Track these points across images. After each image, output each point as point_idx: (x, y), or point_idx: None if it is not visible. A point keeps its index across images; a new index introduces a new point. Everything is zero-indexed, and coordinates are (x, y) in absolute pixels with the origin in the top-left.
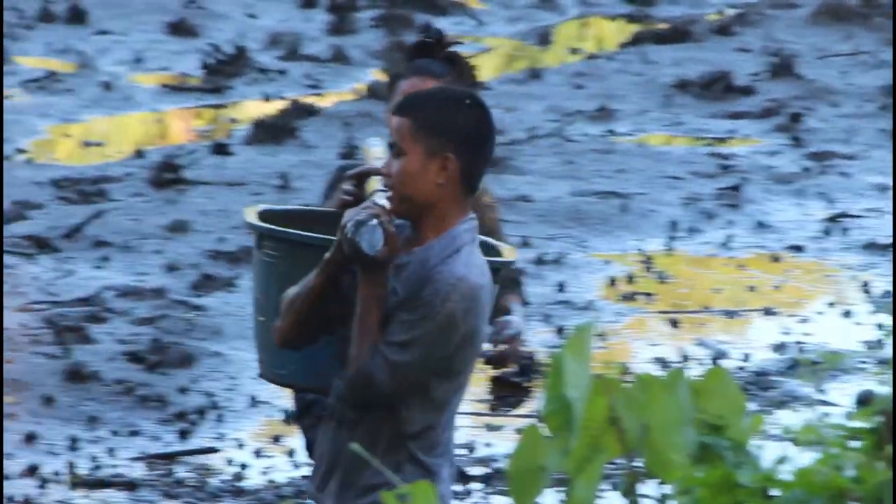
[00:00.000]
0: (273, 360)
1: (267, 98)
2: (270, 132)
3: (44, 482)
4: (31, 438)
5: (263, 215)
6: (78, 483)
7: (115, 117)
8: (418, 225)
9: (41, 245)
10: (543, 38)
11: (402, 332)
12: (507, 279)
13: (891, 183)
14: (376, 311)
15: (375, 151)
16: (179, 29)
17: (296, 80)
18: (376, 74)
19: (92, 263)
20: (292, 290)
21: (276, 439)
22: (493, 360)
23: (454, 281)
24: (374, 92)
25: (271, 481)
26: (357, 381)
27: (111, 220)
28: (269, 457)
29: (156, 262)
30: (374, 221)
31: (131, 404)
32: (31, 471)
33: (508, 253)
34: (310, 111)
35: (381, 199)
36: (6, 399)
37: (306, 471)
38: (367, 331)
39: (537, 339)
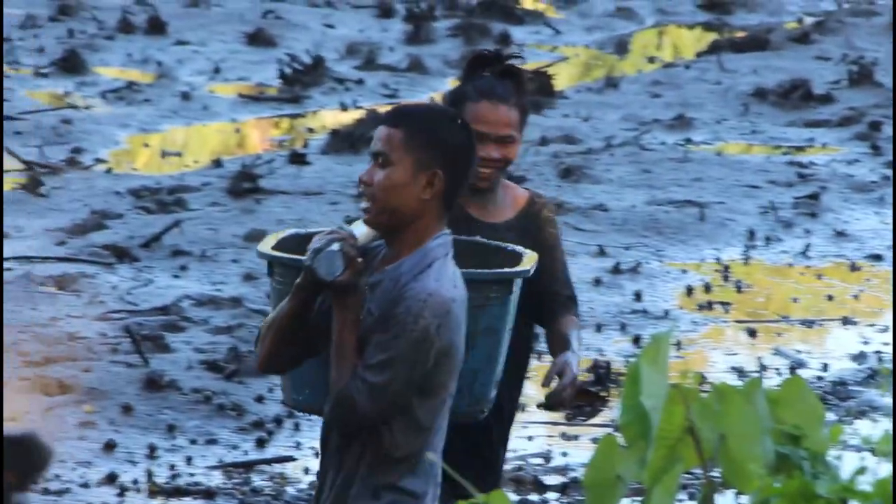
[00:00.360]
0: (291, 386)
1: (344, 107)
2: (347, 141)
3: (122, 490)
4: (110, 447)
5: (287, 241)
6: (156, 491)
7: (193, 127)
8: (394, 240)
9: (120, 254)
10: (620, 47)
11: (378, 352)
12: (564, 297)
13: None
14: (351, 334)
15: None
16: (257, 39)
17: (372, 89)
18: (453, 84)
19: (170, 273)
20: (269, 316)
21: None
22: (550, 405)
23: (425, 297)
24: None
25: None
26: (338, 406)
27: (189, 230)
28: None
29: (233, 272)
30: (335, 247)
31: (209, 413)
32: (111, 479)
33: (528, 261)
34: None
35: (359, 227)
36: (86, 408)
37: None
38: (344, 355)
39: (613, 349)
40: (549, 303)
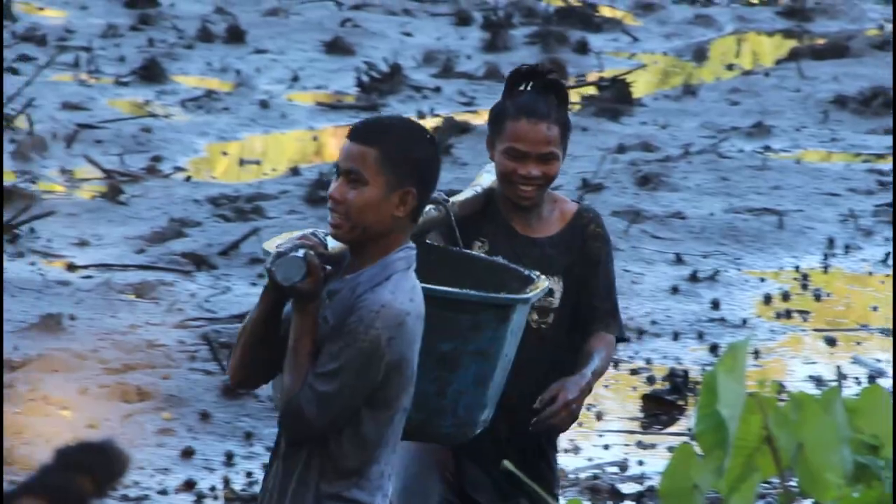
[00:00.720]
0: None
1: (421, 115)
2: None
3: (200, 497)
4: (188, 454)
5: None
6: (233, 498)
7: (272, 135)
8: (360, 251)
9: (198, 262)
10: (699, 54)
11: (328, 361)
12: (601, 311)
13: None
14: (307, 341)
15: (484, 178)
16: (335, 47)
17: (449, 97)
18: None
19: (248, 280)
20: (241, 326)
21: None
22: (535, 429)
23: (378, 308)
24: None
25: None
26: (287, 413)
27: (267, 238)
28: None
29: None
30: (298, 252)
31: None
32: (189, 486)
33: (533, 289)
34: (463, 128)
35: (331, 242)
36: (164, 415)
37: None
38: (299, 362)
39: (691, 357)
40: (585, 316)
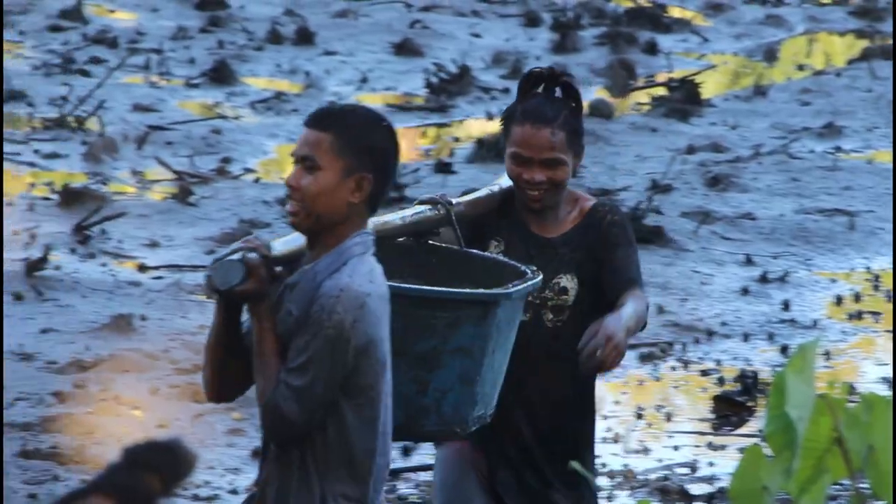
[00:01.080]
0: None
1: (490, 117)
2: (493, 150)
3: None
4: (258, 454)
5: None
6: None
7: None
8: (317, 241)
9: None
10: (769, 55)
11: (297, 355)
12: (623, 281)
13: None
14: (269, 342)
15: (504, 178)
16: (404, 49)
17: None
18: (599, 92)
19: None
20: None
21: None
22: (585, 372)
23: (337, 293)
24: (596, 110)
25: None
26: (267, 416)
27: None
28: None
29: None
30: (236, 256)
31: None
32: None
33: (533, 279)
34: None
35: (277, 245)
36: (235, 415)
37: None
38: (266, 363)
39: (761, 358)
40: (610, 293)
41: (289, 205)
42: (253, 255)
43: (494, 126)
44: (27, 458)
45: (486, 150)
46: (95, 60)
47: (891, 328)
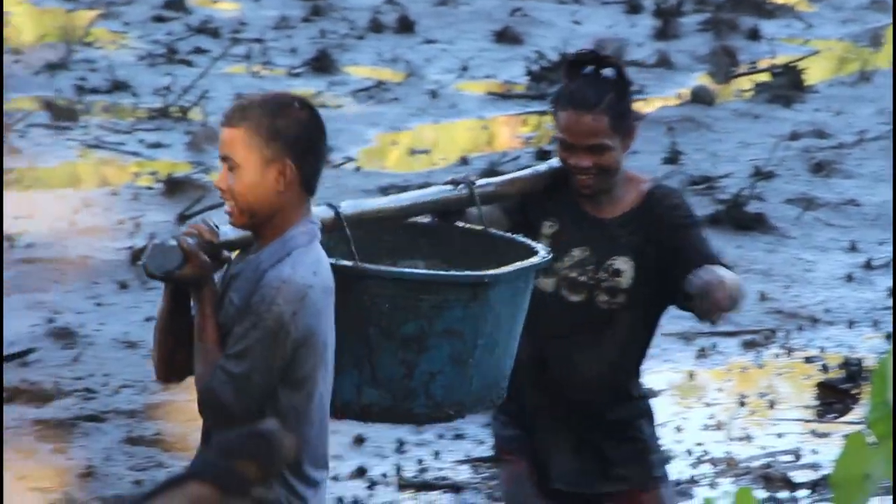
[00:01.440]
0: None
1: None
2: None
3: (372, 484)
4: (359, 441)
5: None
6: (405, 485)
7: (441, 125)
8: (260, 233)
9: None
10: (874, 40)
11: (236, 343)
12: (706, 256)
13: None
14: (209, 327)
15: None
16: (505, 37)
17: None
18: (701, 79)
19: None
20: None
21: None
22: (698, 313)
23: (278, 284)
24: (698, 97)
25: None
26: (204, 400)
27: None
28: None
29: None
30: (172, 241)
31: None
32: (360, 472)
33: (533, 259)
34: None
35: (228, 230)
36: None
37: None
38: (205, 349)
39: (866, 346)
40: (684, 273)
41: (224, 206)
42: (191, 240)
43: None
44: (132, 445)
45: None
46: (198, 50)
47: None
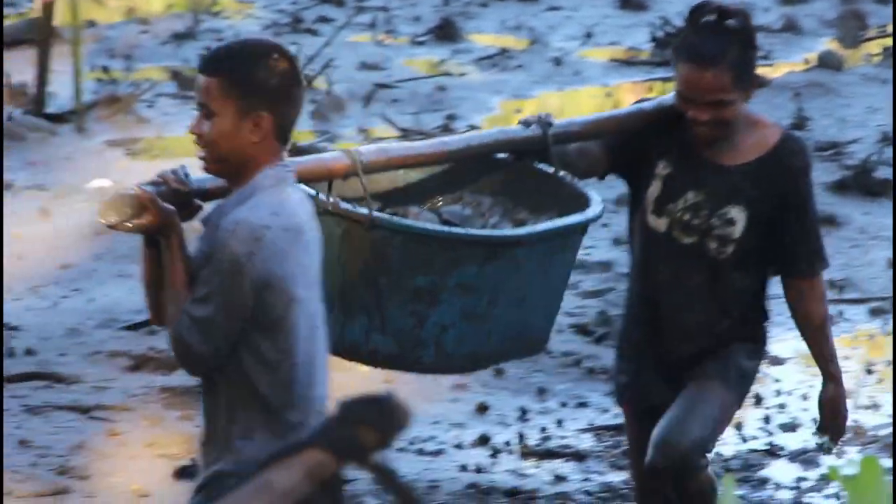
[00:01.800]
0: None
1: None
2: None
3: (495, 452)
4: (482, 409)
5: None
6: (527, 453)
7: (565, 92)
8: (233, 180)
9: None
10: None
11: (200, 287)
12: (808, 250)
13: None
14: (178, 274)
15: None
16: (629, 3)
17: None
18: (829, 44)
19: None
20: None
21: None
22: (825, 443)
23: (233, 227)
24: (824, 62)
25: (718, 454)
26: (173, 345)
27: None
28: None
29: (602, 236)
30: (130, 191)
31: (579, 376)
32: (483, 441)
33: (594, 204)
34: (760, 83)
35: (199, 175)
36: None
37: (753, 444)
38: (174, 293)
39: None
40: (786, 254)
41: (198, 152)
42: (151, 189)
43: None
44: None
45: None
46: (323, 19)
47: None
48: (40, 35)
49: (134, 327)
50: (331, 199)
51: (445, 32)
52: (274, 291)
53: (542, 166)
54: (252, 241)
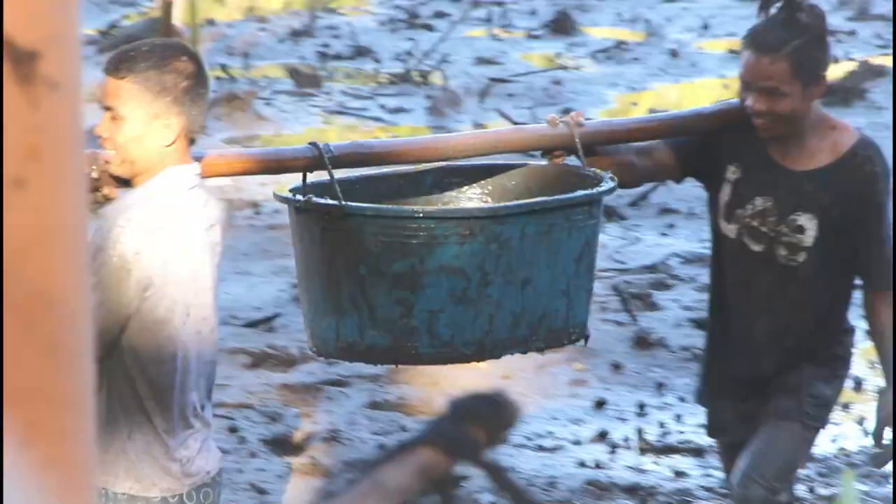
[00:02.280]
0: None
1: (835, 59)
2: (839, 94)
3: (613, 448)
4: (600, 404)
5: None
6: (646, 449)
7: (682, 84)
8: (139, 180)
9: (609, 214)
10: None
11: (90, 276)
12: (881, 261)
13: None
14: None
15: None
16: None
17: (865, 40)
18: None
19: (658, 231)
20: None
21: (846, 406)
22: (878, 462)
23: (125, 223)
24: None
25: (842, 449)
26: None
27: (677, 188)
28: (836, 424)
29: None
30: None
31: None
32: (602, 436)
33: (608, 182)
34: (879, 72)
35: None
36: (577, 366)
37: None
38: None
39: None
40: (861, 264)
41: (105, 152)
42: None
43: (840, 68)
44: (375, 409)
45: (832, 94)
46: (439, 14)
47: None
48: (161, 34)
49: (253, 325)
50: (301, 198)
51: (561, 26)
52: (159, 292)
53: (566, 162)
54: (142, 241)
